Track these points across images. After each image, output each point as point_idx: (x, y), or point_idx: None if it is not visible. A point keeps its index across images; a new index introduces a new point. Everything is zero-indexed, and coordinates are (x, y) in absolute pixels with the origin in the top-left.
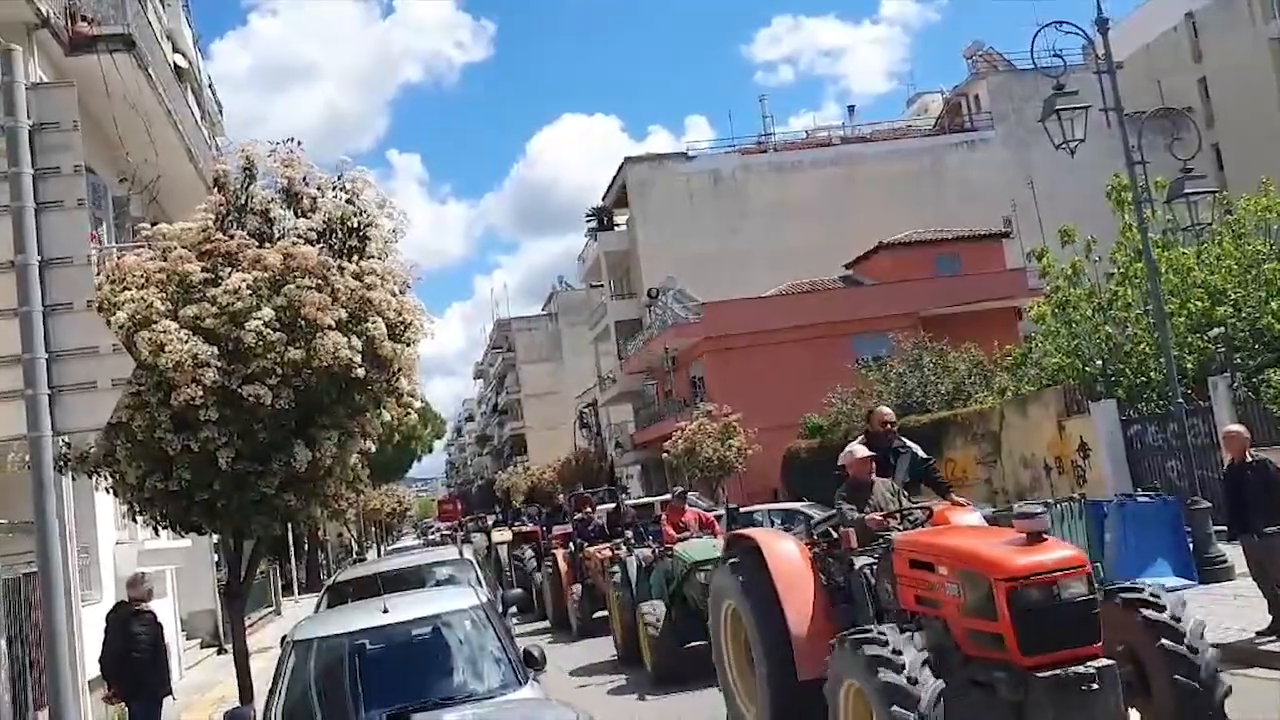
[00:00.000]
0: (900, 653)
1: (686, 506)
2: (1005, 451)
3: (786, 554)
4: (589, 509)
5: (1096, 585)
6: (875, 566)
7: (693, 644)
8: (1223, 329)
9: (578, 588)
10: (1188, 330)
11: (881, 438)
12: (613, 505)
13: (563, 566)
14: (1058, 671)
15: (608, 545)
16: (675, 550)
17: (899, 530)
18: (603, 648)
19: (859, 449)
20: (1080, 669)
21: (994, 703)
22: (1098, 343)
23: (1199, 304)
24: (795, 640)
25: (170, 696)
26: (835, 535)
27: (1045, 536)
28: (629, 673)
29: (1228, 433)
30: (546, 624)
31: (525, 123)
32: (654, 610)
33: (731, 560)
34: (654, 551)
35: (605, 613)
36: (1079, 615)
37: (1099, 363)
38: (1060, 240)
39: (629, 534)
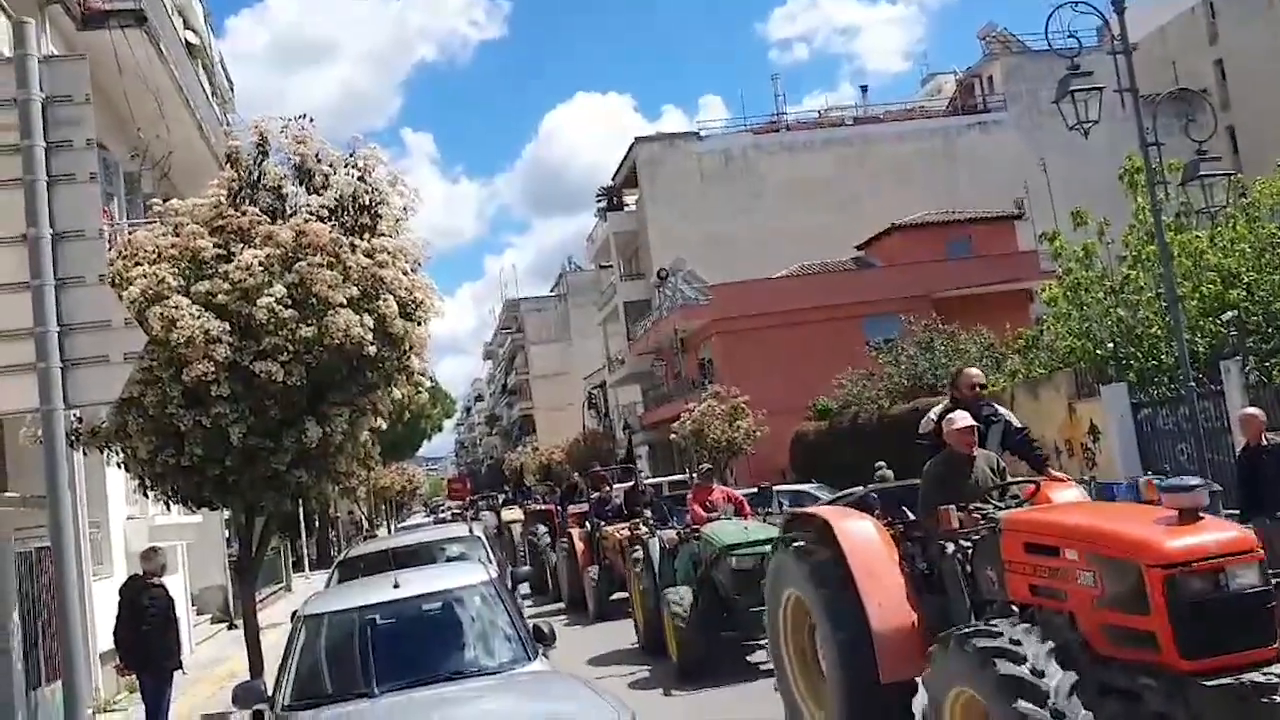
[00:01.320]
0: (1019, 643)
1: (715, 485)
2: None
3: (864, 535)
4: (605, 487)
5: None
6: (972, 551)
7: (723, 634)
8: (1236, 312)
9: (595, 569)
10: (1200, 314)
11: (970, 404)
12: (630, 484)
13: (579, 546)
14: (1229, 680)
15: (626, 525)
16: (703, 532)
17: (998, 508)
18: (621, 632)
19: (960, 417)
20: (1258, 677)
21: (1137, 713)
22: (1109, 326)
23: (1212, 287)
24: (879, 637)
25: (181, 670)
26: (912, 514)
27: (1202, 515)
28: (652, 663)
29: (1244, 415)
30: (561, 605)
31: (539, 102)
32: (680, 597)
33: (795, 542)
34: (679, 533)
35: (624, 595)
36: (1251, 610)
37: (1110, 346)
38: (1072, 222)
39: (648, 513)
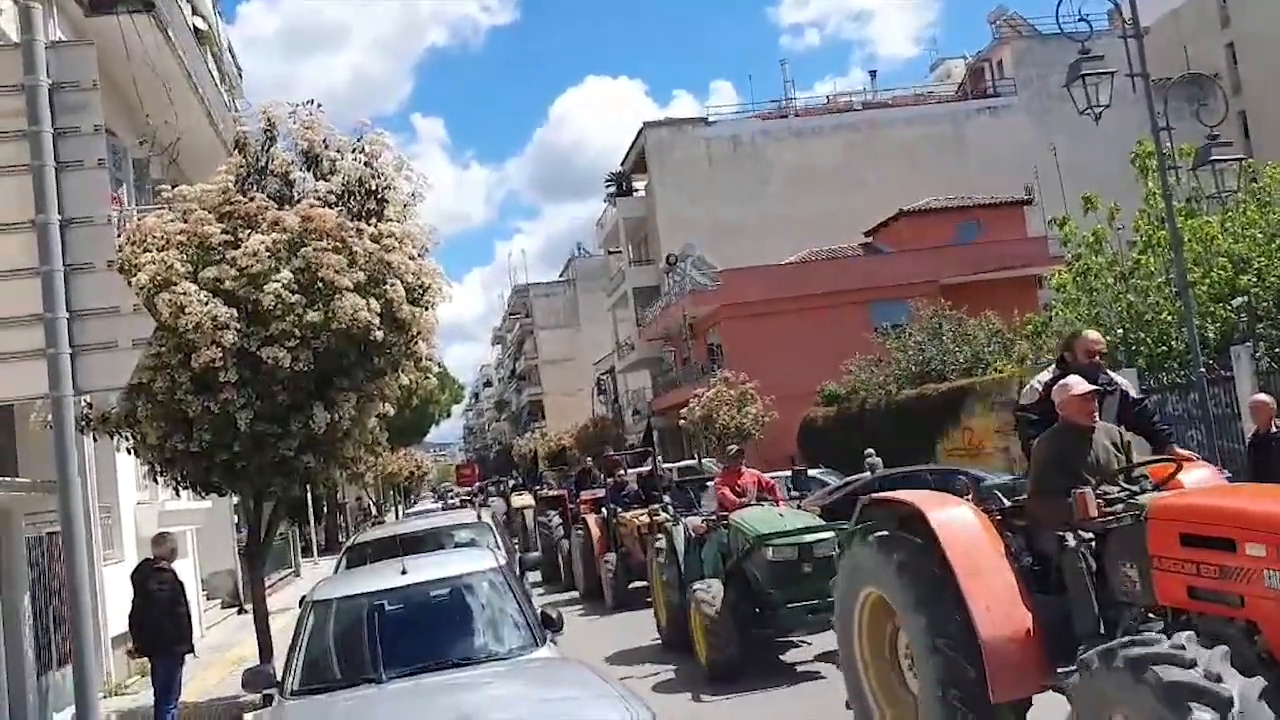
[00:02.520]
0: (1183, 648)
1: (744, 468)
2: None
3: (964, 525)
4: (620, 472)
5: None
6: (1097, 543)
7: (756, 632)
8: (1246, 298)
9: (612, 556)
10: (1210, 299)
11: (1086, 373)
12: (647, 468)
13: (595, 533)
14: None
15: (644, 511)
16: (733, 520)
17: (1130, 492)
18: (641, 625)
19: (1078, 381)
20: None
21: None
22: (1119, 311)
23: (1222, 273)
24: (989, 648)
25: (191, 654)
26: (1008, 500)
27: None
28: (677, 662)
29: (1255, 402)
30: (575, 594)
31: (549, 87)
32: (710, 592)
33: (876, 532)
34: (706, 521)
35: (642, 583)
36: None
37: (1119, 331)
38: (1082, 208)
39: (667, 498)
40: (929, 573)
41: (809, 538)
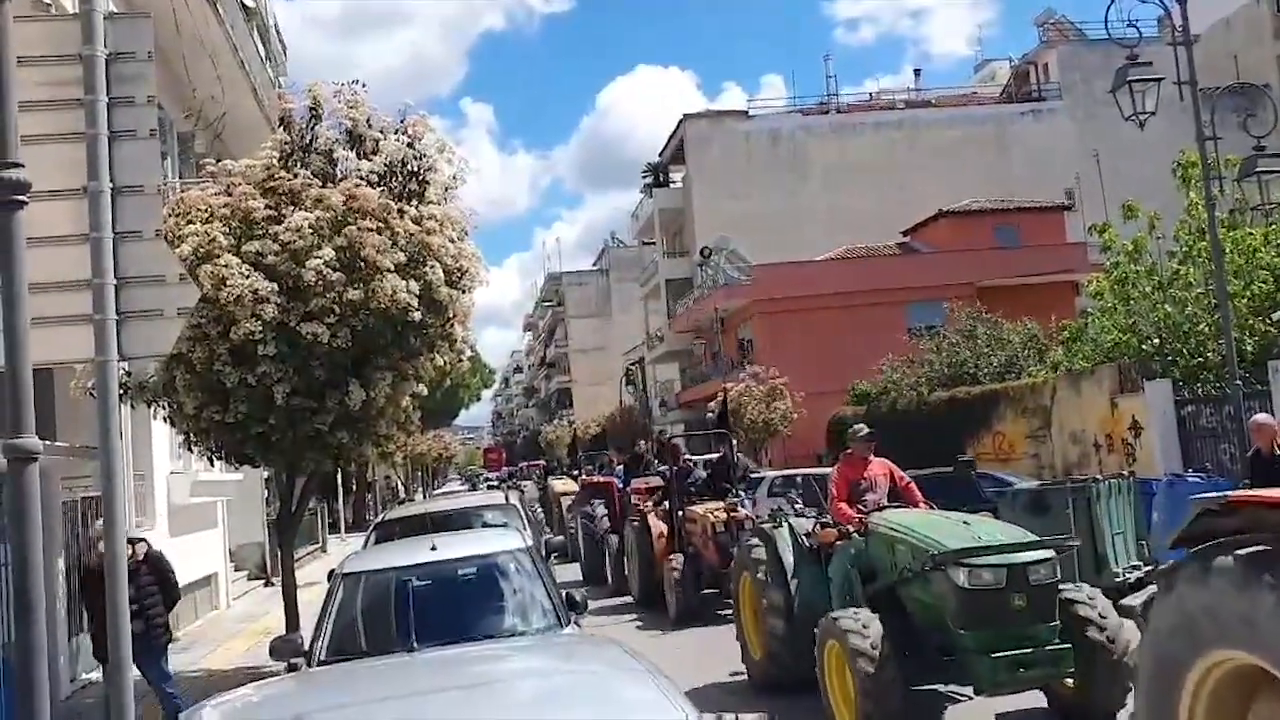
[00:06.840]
0: None
1: (873, 457)
2: (1055, 427)
3: None
4: (684, 459)
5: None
6: None
7: (924, 688)
8: None
9: (679, 558)
10: (1250, 312)
11: None
12: (718, 454)
13: (655, 528)
14: None
15: (719, 505)
16: (882, 525)
17: None
18: (717, 646)
19: None
20: None
21: None
22: (1155, 321)
23: (1263, 286)
24: None
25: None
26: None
27: None
28: (786, 714)
29: (1255, 422)
30: (627, 599)
31: (599, 75)
32: (867, 630)
33: (1261, 564)
34: (833, 524)
35: (712, 591)
36: None
37: (1156, 341)
38: (1123, 215)
39: (743, 492)
40: None
41: (1021, 557)
